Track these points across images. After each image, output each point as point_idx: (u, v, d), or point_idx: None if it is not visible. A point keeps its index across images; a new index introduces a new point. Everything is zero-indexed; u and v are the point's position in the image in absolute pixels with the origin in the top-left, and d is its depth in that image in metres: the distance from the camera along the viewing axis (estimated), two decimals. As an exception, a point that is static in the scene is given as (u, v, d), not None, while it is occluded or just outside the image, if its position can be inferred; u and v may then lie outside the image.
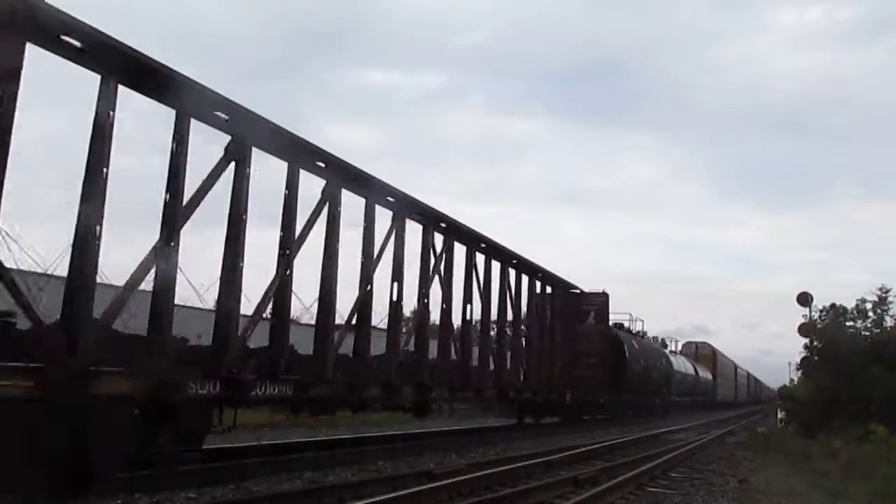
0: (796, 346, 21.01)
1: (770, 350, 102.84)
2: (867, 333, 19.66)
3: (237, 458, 9.71)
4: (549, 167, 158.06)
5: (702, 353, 54.06)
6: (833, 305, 20.89)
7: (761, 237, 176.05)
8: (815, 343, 19.98)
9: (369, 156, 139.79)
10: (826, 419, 17.42)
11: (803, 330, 20.34)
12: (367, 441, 13.49)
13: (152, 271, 7.91)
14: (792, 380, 26.57)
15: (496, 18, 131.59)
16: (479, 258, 16.12)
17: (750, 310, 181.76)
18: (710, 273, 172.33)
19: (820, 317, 20.65)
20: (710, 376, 50.50)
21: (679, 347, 48.64)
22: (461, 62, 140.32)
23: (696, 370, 44.54)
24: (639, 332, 32.91)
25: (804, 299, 20.66)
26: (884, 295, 19.46)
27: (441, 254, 14.18)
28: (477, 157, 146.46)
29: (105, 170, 7.20)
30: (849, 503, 8.96)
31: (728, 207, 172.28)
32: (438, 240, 14.07)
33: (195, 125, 8.40)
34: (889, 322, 19.49)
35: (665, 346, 42.59)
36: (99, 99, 7.24)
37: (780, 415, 25.80)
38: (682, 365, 40.50)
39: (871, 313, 19.87)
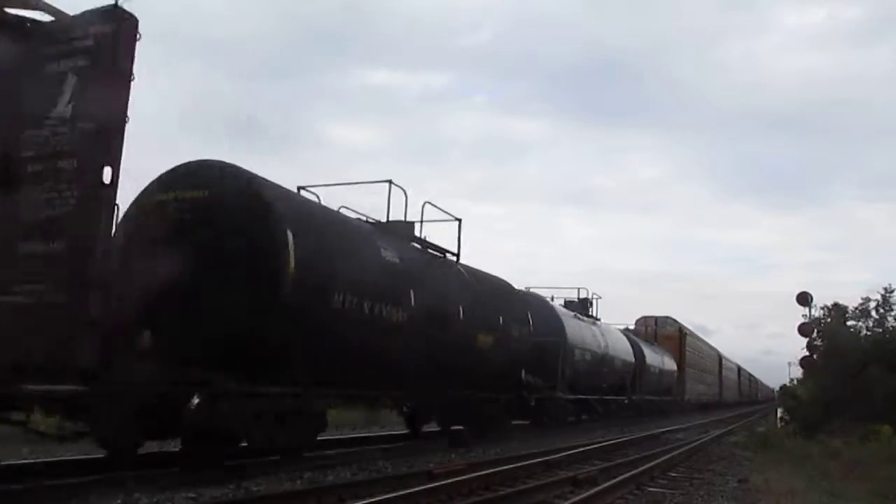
0: (796, 346, 21.04)
1: (770, 350, 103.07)
2: (868, 333, 19.68)
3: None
4: (553, 167, 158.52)
5: (662, 332, 37.42)
6: (836, 304, 20.94)
7: (762, 237, 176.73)
8: (818, 342, 20.01)
9: (372, 156, 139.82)
10: (826, 419, 17.42)
11: (803, 330, 20.37)
12: None
13: None
14: (792, 380, 26.57)
15: (501, 19, 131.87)
16: None
17: (750, 310, 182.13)
18: (710, 273, 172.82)
19: (823, 316, 20.71)
20: (672, 365, 34.98)
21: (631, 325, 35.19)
22: (465, 62, 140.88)
23: (638, 354, 28.59)
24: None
25: (804, 299, 20.71)
26: (888, 295, 19.47)
27: None
28: (480, 157, 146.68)
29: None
30: (849, 503, 8.95)
31: (729, 207, 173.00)
32: None
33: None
34: (891, 322, 19.52)
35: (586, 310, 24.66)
36: None
37: (779, 414, 25.76)
38: (595, 339, 23.09)
39: (873, 312, 19.91)
